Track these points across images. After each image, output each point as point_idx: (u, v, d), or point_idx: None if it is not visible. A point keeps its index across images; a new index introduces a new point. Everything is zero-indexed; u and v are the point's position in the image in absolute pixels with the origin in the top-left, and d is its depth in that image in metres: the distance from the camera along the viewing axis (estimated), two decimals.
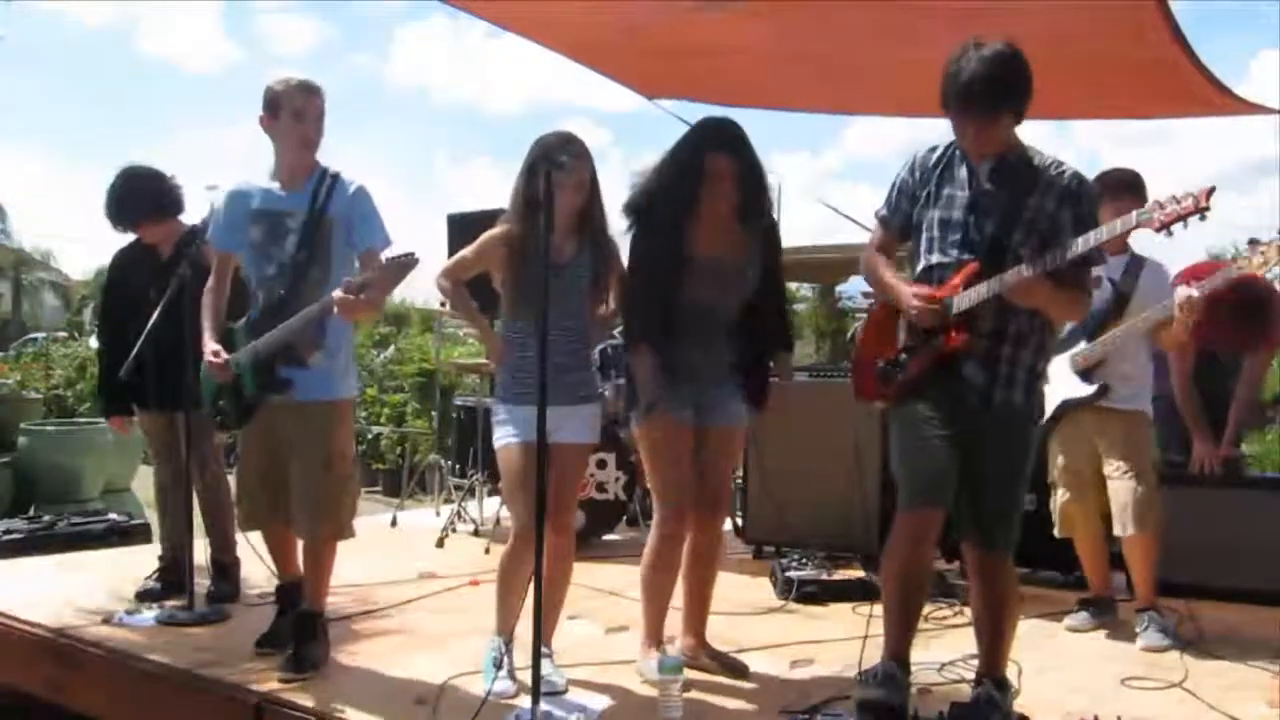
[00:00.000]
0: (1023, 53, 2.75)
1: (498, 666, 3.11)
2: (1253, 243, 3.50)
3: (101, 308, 4.72)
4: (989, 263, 2.82)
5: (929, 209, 2.93)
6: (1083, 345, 3.86)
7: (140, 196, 4.17)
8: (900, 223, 3.02)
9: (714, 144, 3.23)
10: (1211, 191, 2.56)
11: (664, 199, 3.22)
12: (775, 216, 3.43)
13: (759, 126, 3.08)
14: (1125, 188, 3.80)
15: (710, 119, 3.39)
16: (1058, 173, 2.83)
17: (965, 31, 2.82)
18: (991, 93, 2.73)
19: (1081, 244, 2.73)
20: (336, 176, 3.38)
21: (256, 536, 3.77)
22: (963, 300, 2.83)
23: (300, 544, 3.51)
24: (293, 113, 3.31)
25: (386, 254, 3.25)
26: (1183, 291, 3.56)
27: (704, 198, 3.20)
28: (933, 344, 2.89)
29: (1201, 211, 2.62)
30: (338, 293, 3.08)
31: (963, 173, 2.90)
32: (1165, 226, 2.60)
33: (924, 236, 2.95)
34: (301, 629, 3.38)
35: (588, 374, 3.35)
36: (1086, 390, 3.85)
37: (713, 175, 3.19)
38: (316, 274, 3.32)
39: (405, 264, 3.09)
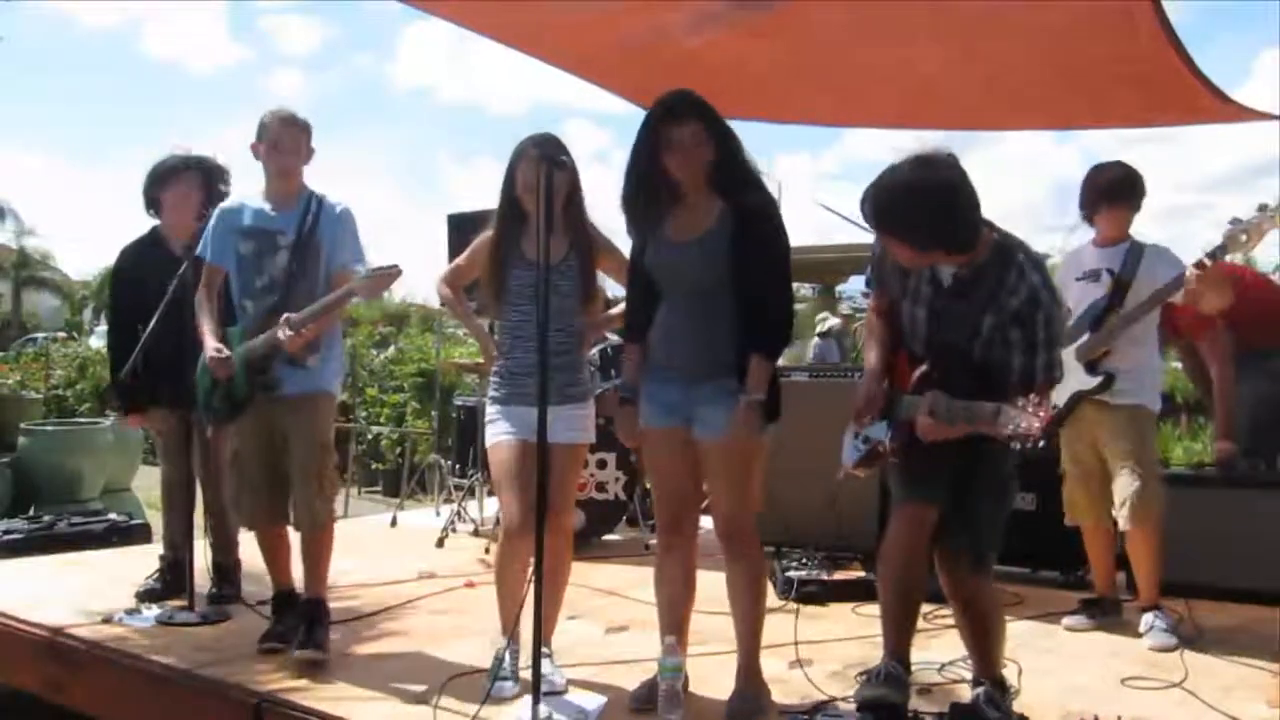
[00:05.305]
0: (929, 192, 2.63)
1: (499, 666, 3.11)
2: (1263, 208, 3.58)
3: (110, 301, 4.71)
4: (942, 368, 2.84)
5: (901, 293, 2.94)
6: (1087, 337, 3.84)
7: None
8: (888, 292, 3.02)
9: (662, 113, 2.96)
10: (1034, 435, 2.52)
11: (632, 179, 3.02)
12: (764, 195, 2.98)
13: (757, 128, 3.03)
14: (1123, 189, 3.83)
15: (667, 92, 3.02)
16: (1015, 290, 2.73)
17: (965, 46, 2.78)
18: (879, 218, 2.73)
19: (969, 411, 2.64)
20: (322, 200, 3.55)
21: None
22: (904, 408, 2.86)
23: (295, 547, 3.57)
24: (271, 144, 3.50)
25: (360, 268, 3.40)
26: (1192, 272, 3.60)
27: (662, 170, 2.96)
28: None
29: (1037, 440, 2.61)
30: (283, 332, 3.29)
31: (928, 269, 2.86)
32: (1012, 439, 2.57)
33: (899, 318, 2.98)
34: (311, 613, 3.44)
35: (575, 374, 3.29)
36: (1093, 381, 3.83)
37: (665, 144, 2.93)
38: (305, 287, 3.49)
39: (389, 275, 3.29)
